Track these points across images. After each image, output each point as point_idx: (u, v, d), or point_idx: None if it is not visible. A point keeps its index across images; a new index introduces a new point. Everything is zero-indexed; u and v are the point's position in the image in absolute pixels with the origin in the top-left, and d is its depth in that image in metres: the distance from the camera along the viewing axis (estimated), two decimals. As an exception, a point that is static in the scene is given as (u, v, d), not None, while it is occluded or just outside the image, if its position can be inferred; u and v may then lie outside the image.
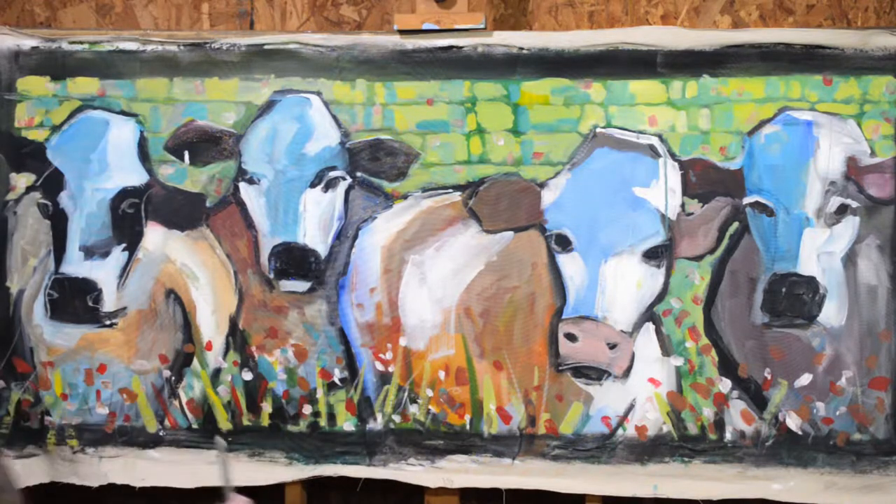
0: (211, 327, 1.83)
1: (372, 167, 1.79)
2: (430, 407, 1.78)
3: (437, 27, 1.75)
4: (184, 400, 1.83)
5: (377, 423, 1.79)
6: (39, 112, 1.83)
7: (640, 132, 1.74)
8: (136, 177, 1.82)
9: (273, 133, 1.80)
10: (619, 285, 1.73)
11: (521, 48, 1.75)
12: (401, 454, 1.79)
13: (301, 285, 1.80)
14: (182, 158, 1.82)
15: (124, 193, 1.82)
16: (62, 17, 1.95)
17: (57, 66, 1.83)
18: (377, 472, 1.79)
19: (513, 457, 1.77)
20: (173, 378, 1.83)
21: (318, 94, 1.80)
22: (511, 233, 1.77)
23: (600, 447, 1.75)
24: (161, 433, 1.83)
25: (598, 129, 1.75)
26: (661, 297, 1.74)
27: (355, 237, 1.80)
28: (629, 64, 1.74)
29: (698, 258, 1.74)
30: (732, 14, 1.83)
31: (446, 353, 1.78)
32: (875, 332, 1.71)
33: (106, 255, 1.81)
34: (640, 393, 1.75)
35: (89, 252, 1.81)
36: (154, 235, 1.83)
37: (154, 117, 1.82)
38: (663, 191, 1.73)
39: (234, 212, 1.82)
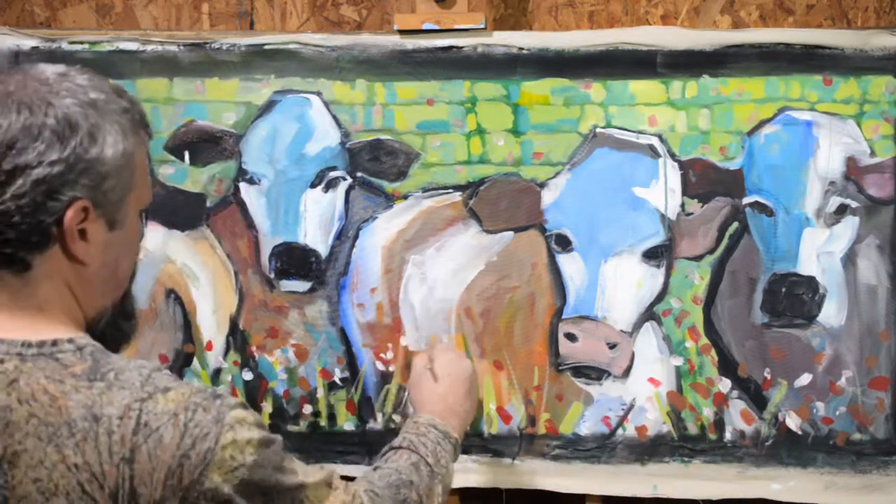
0: (211, 327, 1.83)
1: (372, 167, 1.79)
2: (430, 407, 1.78)
3: (437, 27, 1.75)
4: (184, 400, 1.82)
5: (377, 423, 1.79)
6: (39, 112, 1.83)
7: (640, 132, 1.74)
8: (136, 177, 1.82)
9: (273, 133, 1.80)
10: (619, 285, 1.73)
11: (521, 48, 1.75)
12: (401, 454, 1.79)
13: (302, 285, 1.80)
14: (182, 158, 1.82)
15: (124, 193, 1.82)
16: (62, 17, 1.95)
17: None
18: (377, 472, 1.79)
19: (513, 457, 1.77)
20: (173, 378, 1.83)
21: (319, 94, 1.79)
22: (511, 233, 1.77)
23: (600, 447, 1.76)
24: (161, 433, 1.83)
25: (598, 129, 1.75)
26: (661, 297, 1.74)
27: (356, 237, 1.80)
28: (629, 64, 1.74)
29: (698, 258, 1.74)
30: (732, 14, 1.83)
31: (446, 353, 1.78)
32: (875, 332, 1.71)
33: (106, 255, 1.81)
34: (640, 393, 1.75)
35: (89, 252, 1.81)
36: (154, 236, 1.82)
37: (154, 117, 1.81)
38: (663, 191, 1.73)
39: (235, 212, 1.82)
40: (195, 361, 1.82)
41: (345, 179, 1.79)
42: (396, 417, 1.79)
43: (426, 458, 1.35)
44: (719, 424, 1.74)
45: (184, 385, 1.02)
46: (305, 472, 1.11)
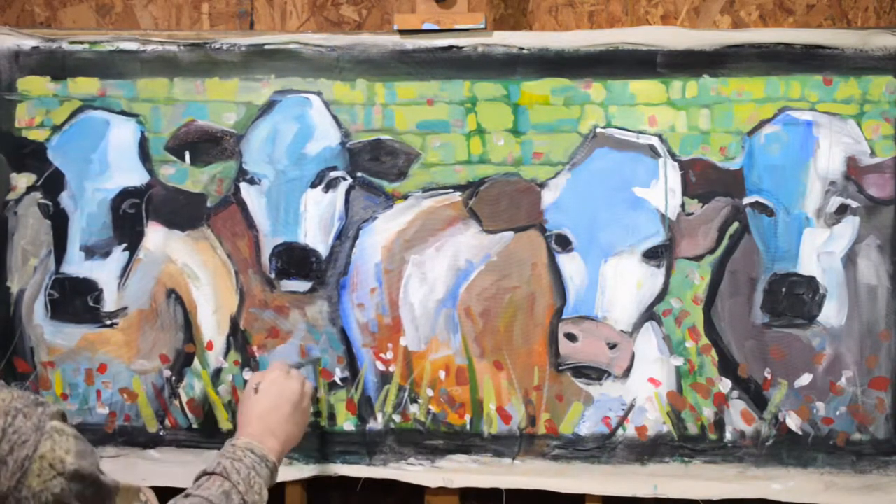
0: (212, 327, 1.83)
1: (372, 167, 1.79)
2: (430, 407, 1.78)
3: (437, 27, 1.75)
4: (184, 400, 1.83)
5: (377, 423, 1.80)
6: (40, 112, 1.83)
7: (640, 132, 1.74)
8: (136, 177, 1.82)
9: (273, 133, 1.80)
10: (619, 285, 1.73)
11: (521, 48, 1.75)
12: (401, 454, 1.79)
13: (302, 285, 1.80)
14: (183, 158, 1.82)
15: (125, 193, 1.82)
16: (62, 17, 1.95)
17: (57, 66, 1.83)
18: (377, 471, 1.79)
19: (513, 457, 1.77)
20: (174, 378, 1.83)
21: (319, 94, 1.80)
22: (511, 233, 1.77)
23: (600, 447, 1.76)
24: (161, 433, 1.83)
25: (598, 129, 1.75)
26: (661, 297, 1.74)
27: (356, 237, 1.80)
28: (629, 64, 1.74)
29: (698, 258, 1.74)
30: (732, 14, 1.83)
31: (446, 354, 1.78)
32: (875, 332, 1.71)
33: (107, 255, 1.82)
34: (640, 393, 1.75)
35: (90, 252, 1.81)
36: (155, 235, 1.83)
37: (155, 117, 1.82)
38: (663, 191, 1.73)
39: (235, 212, 1.82)
40: (196, 361, 1.83)
41: (345, 179, 1.79)
42: (396, 417, 1.79)
43: (238, 485, 1.36)
44: (719, 424, 1.74)
45: (4, 390, 1.01)
46: (117, 484, 1.13)
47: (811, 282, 1.70)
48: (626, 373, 1.74)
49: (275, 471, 1.45)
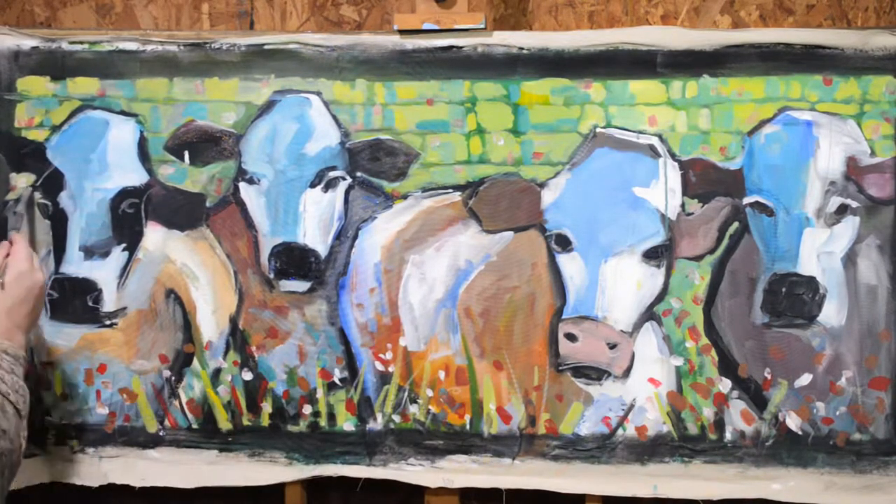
0: (211, 327, 1.83)
1: (372, 167, 1.79)
2: (430, 407, 1.78)
3: (437, 27, 1.75)
4: (184, 400, 1.83)
5: (377, 423, 1.79)
6: (39, 112, 1.83)
7: (640, 132, 1.74)
8: (135, 177, 1.82)
9: (273, 133, 1.80)
10: (619, 285, 1.73)
11: (521, 48, 1.75)
12: (401, 454, 1.79)
13: (301, 285, 1.80)
14: (182, 158, 1.82)
15: (124, 193, 1.82)
16: (62, 17, 1.95)
17: (57, 66, 1.83)
18: (377, 472, 1.79)
19: (513, 457, 1.77)
20: (173, 378, 1.83)
21: (318, 94, 1.80)
22: (511, 233, 1.77)
23: (600, 447, 1.76)
24: (161, 433, 1.83)
25: (598, 129, 1.75)
26: (661, 297, 1.74)
27: (355, 237, 1.80)
28: (629, 64, 1.74)
29: (698, 258, 1.74)
30: (732, 14, 1.83)
31: (446, 354, 1.78)
32: (875, 332, 1.71)
33: (106, 255, 1.81)
34: (640, 393, 1.75)
35: (89, 252, 1.81)
36: (154, 235, 1.83)
37: (154, 117, 1.82)
38: (663, 191, 1.73)
39: (234, 212, 1.82)
40: (195, 361, 1.82)
41: (344, 179, 1.79)
42: (396, 417, 1.79)
43: (8, 396, 1.35)
44: (719, 424, 1.74)
45: None
46: None
47: (811, 282, 1.70)
48: (626, 373, 1.74)
49: (25, 363, 1.46)
